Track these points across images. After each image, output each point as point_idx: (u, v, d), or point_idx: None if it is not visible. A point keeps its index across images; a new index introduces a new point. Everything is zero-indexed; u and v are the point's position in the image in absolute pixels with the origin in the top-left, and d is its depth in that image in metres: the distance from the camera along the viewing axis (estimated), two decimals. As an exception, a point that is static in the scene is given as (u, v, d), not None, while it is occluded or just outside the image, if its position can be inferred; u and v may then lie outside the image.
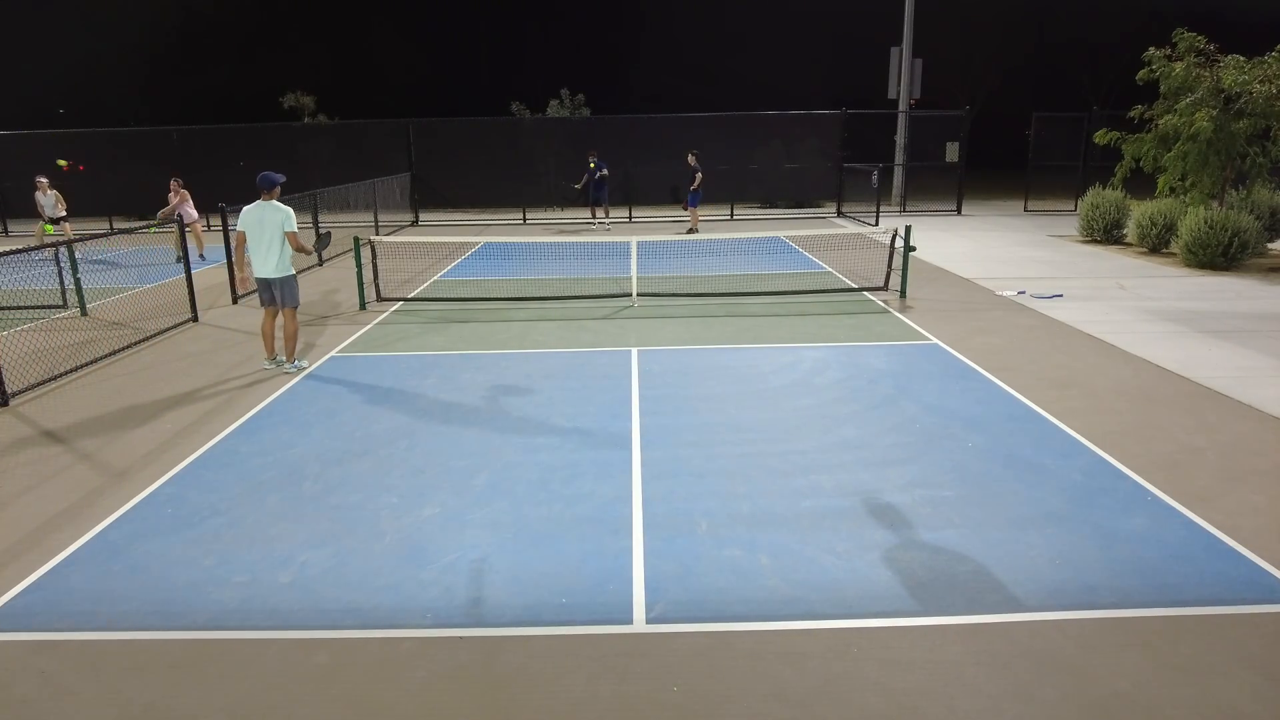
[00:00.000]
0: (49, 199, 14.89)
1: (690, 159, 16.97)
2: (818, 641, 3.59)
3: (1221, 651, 3.46)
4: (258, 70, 38.11)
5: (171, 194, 14.98)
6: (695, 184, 16.92)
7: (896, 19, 22.67)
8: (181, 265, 10.36)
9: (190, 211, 15.08)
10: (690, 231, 17.02)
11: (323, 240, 8.52)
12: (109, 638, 3.69)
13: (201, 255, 15.17)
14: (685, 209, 17.46)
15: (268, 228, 7.47)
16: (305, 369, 7.85)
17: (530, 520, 4.74)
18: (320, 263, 8.19)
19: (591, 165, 18.78)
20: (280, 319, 7.83)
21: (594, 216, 19.54)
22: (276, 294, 7.66)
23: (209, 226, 17.40)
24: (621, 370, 7.66)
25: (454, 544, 4.48)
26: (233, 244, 8.37)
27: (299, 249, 7.58)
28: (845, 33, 39.49)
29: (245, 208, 7.60)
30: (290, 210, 7.56)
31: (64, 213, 15.15)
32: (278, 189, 7.58)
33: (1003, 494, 4.96)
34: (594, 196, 19.20)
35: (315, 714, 3.20)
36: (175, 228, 12.51)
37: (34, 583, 4.16)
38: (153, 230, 14.51)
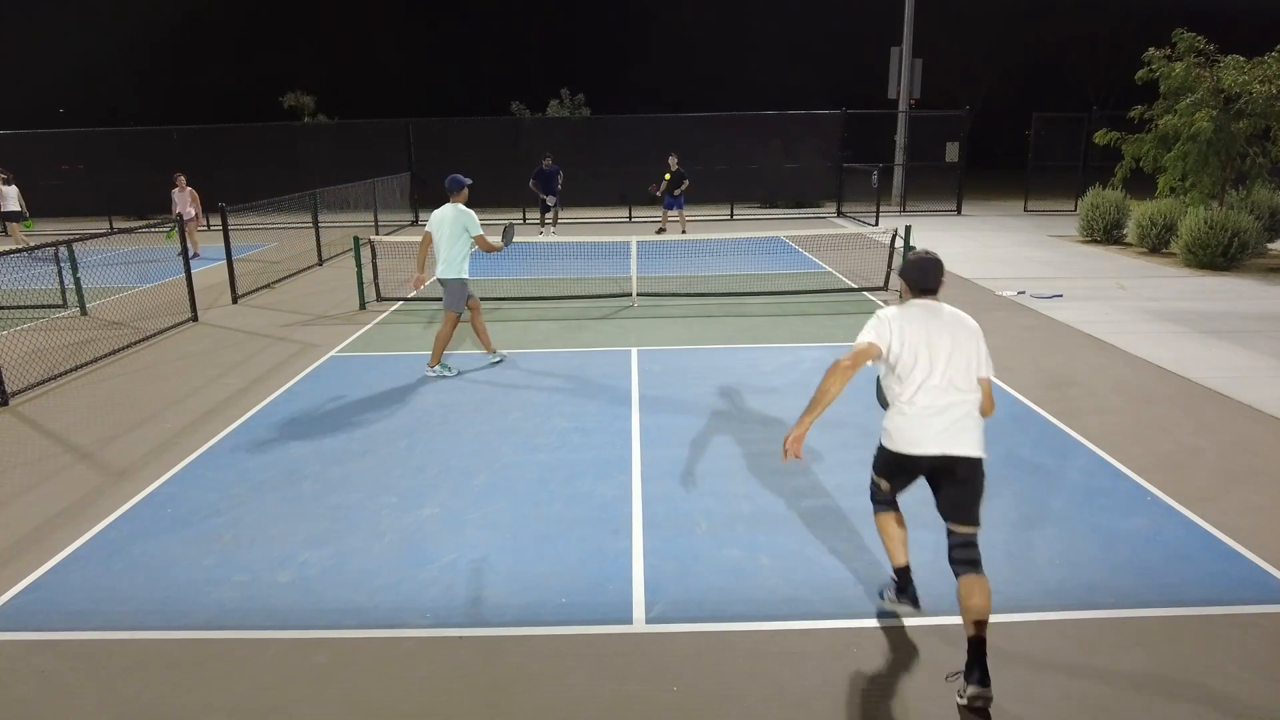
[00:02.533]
0: (11, 191, 15.05)
1: (673, 162, 16.80)
2: (818, 641, 3.59)
3: (1221, 651, 3.46)
4: (258, 70, 38.05)
5: (178, 191, 15.02)
6: (683, 187, 16.84)
7: (896, 19, 22.66)
8: (182, 264, 10.35)
9: (189, 208, 15.10)
10: (681, 231, 17.01)
11: (508, 233, 8.21)
12: (109, 637, 3.69)
13: (196, 254, 15.03)
14: (665, 210, 17.21)
15: (445, 229, 7.42)
16: (447, 374, 7.56)
17: (530, 520, 4.74)
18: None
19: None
20: (479, 315, 7.93)
21: (544, 219, 17.72)
22: (444, 295, 7.56)
23: (208, 226, 17.39)
24: (621, 370, 7.66)
25: (454, 544, 4.48)
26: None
27: (488, 249, 7.52)
28: (845, 33, 39.47)
29: (436, 210, 7.56)
30: (472, 214, 7.45)
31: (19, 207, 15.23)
32: (464, 191, 7.56)
33: (1003, 494, 4.96)
34: (548, 198, 17.33)
35: (315, 714, 3.20)
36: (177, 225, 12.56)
37: (34, 582, 4.17)
38: (170, 236, 14.54)
